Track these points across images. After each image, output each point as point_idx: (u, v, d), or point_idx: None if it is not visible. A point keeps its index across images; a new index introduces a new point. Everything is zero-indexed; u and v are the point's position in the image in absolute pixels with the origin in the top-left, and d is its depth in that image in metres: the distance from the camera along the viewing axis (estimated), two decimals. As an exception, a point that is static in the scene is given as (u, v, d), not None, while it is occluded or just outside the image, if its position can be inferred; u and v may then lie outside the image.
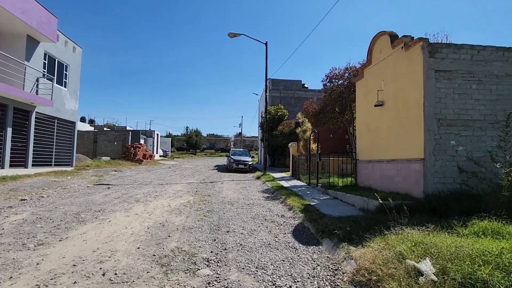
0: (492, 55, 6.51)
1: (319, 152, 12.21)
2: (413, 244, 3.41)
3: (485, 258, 2.86)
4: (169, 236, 4.96)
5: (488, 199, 5.05)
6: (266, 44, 18.78)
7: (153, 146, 36.32)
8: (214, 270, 3.56)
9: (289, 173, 17.73)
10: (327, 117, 15.12)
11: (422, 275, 2.85)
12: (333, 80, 14.36)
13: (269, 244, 4.66)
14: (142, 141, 32.05)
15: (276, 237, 5.07)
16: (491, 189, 5.43)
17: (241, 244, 4.59)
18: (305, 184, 12.69)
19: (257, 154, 47.69)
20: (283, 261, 3.94)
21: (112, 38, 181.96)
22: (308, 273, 3.57)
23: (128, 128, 38.16)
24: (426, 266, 2.91)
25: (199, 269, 3.56)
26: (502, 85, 6.48)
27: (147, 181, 13.38)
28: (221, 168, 23.59)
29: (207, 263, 3.77)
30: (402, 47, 7.11)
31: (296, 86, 32.34)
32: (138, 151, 26.67)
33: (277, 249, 4.44)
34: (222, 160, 32.93)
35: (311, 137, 15.19)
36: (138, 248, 4.30)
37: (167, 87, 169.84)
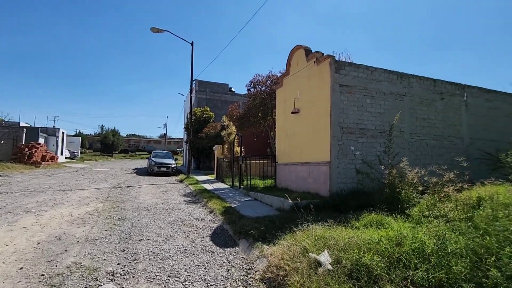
0: (381, 76, 7.87)
1: (242, 155, 12.53)
2: (316, 238, 3.81)
3: (369, 246, 3.40)
4: (65, 250, 4.29)
5: (376, 195, 6.04)
6: (192, 44, 18.35)
7: (57, 146, 31.07)
8: (119, 284, 3.24)
9: (214, 176, 17.65)
10: (250, 121, 15.67)
11: (321, 265, 3.20)
12: (257, 86, 15.02)
13: (185, 249, 4.52)
14: (41, 140, 27.04)
15: (194, 242, 4.95)
16: (378, 187, 6.52)
17: (154, 253, 4.31)
18: (229, 186, 12.83)
19: (182, 156, 46.00)
20: (198, 266, 3.87)
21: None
22: (222, 275, 3.59)
23: (22, 124, 31.63)
24: (325, 257, 3.28)
25: (101, 285, 3.18)
26: (388, 101, 7.90)
27: (44, 187, 11.32)
28: (141, 172, 21.82)
29: (111, 277, 3.40)
30: (315, 61, 7.94)
31: (223, 89, 32.58)
32: (35, 152, 22.39)
33: (193, 254, 4.33)
34: (144, 163, 30.53)
35: (235, 140, 15.50)
36: (21, 268, 3.58)
37: (78, 80, 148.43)
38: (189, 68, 18.57)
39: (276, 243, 4.13)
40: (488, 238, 3.19)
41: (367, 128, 7.61)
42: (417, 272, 2.92)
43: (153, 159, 20.58)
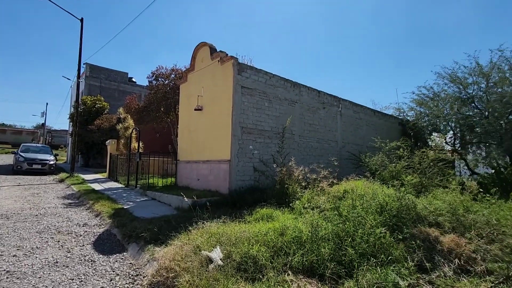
0: (278, 82, 8.68)
1: (140, 151, 11.53)
2: (210, 235, 3.86)
3: (257, 238, 3.68)
4: None
5: (269, 191, 6.61)
6: (81, 20, 15.65)
7: None
8: None
9: (106, 175, 15.58)
10: (152, 115, 14.60)
11: (212, 262, 3.26)
12: (159, 79, 14.10)
13: (56, 262, 3.81)
14: None
15: (70, 252, 4.23)
16: (272, 184, 7.16)
17: (8, 271, 3.46)
18: (123, 186, 11.58)
19: (66, 152, 38.65)
20: (72, 280, 3.32)
21: None
22: (102, 287, 3.20)
23: None
24: (216, 253, 3.36)
25: None
26: (282, 105, 8.76)
27: None
28: (4, 170, 17.14)
29: None
30: (219, 61, 8.05)
31: (122, 78, 29.11)
32: None
33: (67, 266, 3.70)
34: (8, 159, 24.05)
35: (133, 135, 14.12)
36: None
37: None
38: (78, 49, 15.71)
39: (170, 244, 3.97)
40: (348, 223, 3.95)
41: (265, 129, 8.24)
42: (295, 258, 3.35)
43: (22, 154, 16.47)
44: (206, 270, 3.11)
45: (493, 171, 9.74)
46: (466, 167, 10.97)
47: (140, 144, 12.99)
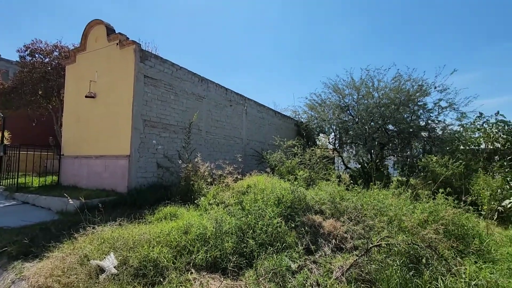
0: (185, 76, 8.39)
1: (3, 143, 9.08)
2: (102, 241, 3.43)
3: (159, 239, 3.50)
4: None
5: (173, 188, 6.35)
6: None
7: None
8: None
9: None
10: (25, 99, 11.69)
11: (104, 271, 2.91)
12: (37, 55, 11.42)
13: None
14: None
15: None
16: (177, 181, 6.90)
17: None
18: (-25, 188, 8.89)
19: None
20: None
21: None
22: None
23: None
24: (109, 261, 3.01)
25: None
26: (190, 100, 8.54)
27: None
28: None
29: None
30: (118, 44, 7.15)
31: (-26, 45, 22.04)
32: None
33: None
34: None
35: (-6, 122, 10.97)
36: None
37: None
38: None
39: (47, 257, 3.32)
40: (250, 216, 4.22)
41: (170, 124, 7.85)
42: (198, 255, 3.35)
43: None
44: (96, 282, 2.75)
45: (359, 166, 12.24)
46: (342, 163, 13.37)
47: (6, 134, 10.24)
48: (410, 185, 8.06)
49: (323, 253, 3.89)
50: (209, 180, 6.00)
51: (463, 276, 2.50)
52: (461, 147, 10.05)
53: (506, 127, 9.45)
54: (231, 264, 3.31)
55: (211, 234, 3.70)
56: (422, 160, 8.78)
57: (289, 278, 3.06)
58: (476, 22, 41.98)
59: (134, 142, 6.81)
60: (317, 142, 14.83)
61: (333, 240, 4.24)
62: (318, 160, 8.93)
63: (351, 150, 13.38)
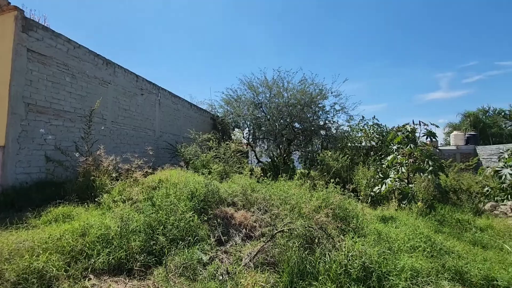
0: (86, 56, 7.28)
1: None
2: (-39, 256, 2.71)
3: (46, 245, 3.00)
4: None
5: (69, 185, 5.49)
6: None
7: None
8: None
9: None
10: None
11: (-35, 292, 2.33)
12: None
13: None
14: None
15: None
16: (73, 177, 5.98)
17: None
18: None
19: None
20: None
21: None
22: None
23: None
24: (-27, 278, 2.43)
25: None
26: (91, 84, 7.46)
27: None
28: None
29: None
30: (-12, 5, 5.62)
31: None
32: None
33: None
34: None
35: None
36: None
37: None
38: None
39: None
40: (161, 212, 4.05)
41: (65, 110, 6.70)
42: (99, 258, 3.03)
43: None
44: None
45: (270, 160, 13.24)
46: (255, 157, 14.17)
47: None
48: (310, 176, 9.26)
49: (234, 243, 4.10)
50: (114, 175, 5.43)
51: (343, 249, 3.08)
52: (349, 144, 12.07)
53: (378, 129, 11.84)
54: (138, 264, 3.14)
55: (115, 234, 3.41)
56: (320, 155, 10.16)
57: (200, 271, 3.12)
58: (365, 41, 50.68)
59: (12, 130, 5.54)
60: (232, 136, 15.22)
61: (244, 230, 4.51)
62: (232, 154, 9.22)
63: (263, 145, 14.29)
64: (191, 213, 4.00)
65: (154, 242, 3.50)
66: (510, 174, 6.37)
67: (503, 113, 21.62)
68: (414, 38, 46.71)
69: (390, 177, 6.35)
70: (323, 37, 52.75)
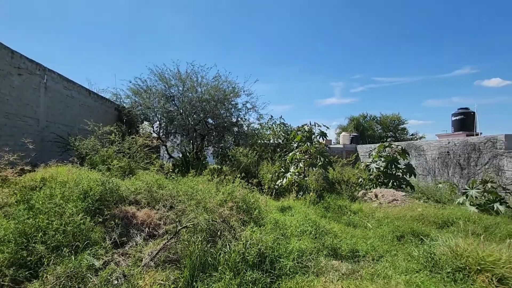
0: None
1: None
2: None
3: None
4: None
5: None
6: None
7: None
8: None
9: None
10: None
11: None
12: None
13: None
14: None
15: None
16: None
17: None
18: None
19: None
20: None
21: None
22: None
23: None
24: None
25: None
26: None
27: None
28: None
29: None
30: None
31: None
32: None
33: None
34: None
35: None
36: None
37: None
38: None
39: None
40: (41, 216, 3.45)
41: None
42: None
43: None
44: None
45: (182, 155, 12.89)
46: (166, 152, 13.52)
47: None
48: (222, 172, 9.48)
49: (135, 243, 3.87)
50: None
51: (243, 239, 3.32)
52: (259, 141, 12.89)
53: (284, 128, 13.06)
54: (7, 278, 2.63)
55: (-29, 247, 2.75)
56: (231, 151, 10.51)
57: (90, 278, 2.84)
58: (278, 46, 54.51)
59: None
60: (141, 130, 14.08)
61: (146, 229, 4.30)
62: (139, 149, 8.57)
63: (175, 140, 13.75)
64: (81, 214, 3.57)
65: (29, 252, 2.98)
66: (375, 167, 8.08)
67: (375, 119, 27.26)
68: (318, 48, 52.93)
69: (290, 172, 7.12)
70: (239, 38, 54.05)
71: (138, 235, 4.13)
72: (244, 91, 12.64)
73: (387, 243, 4.24)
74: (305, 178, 7.36)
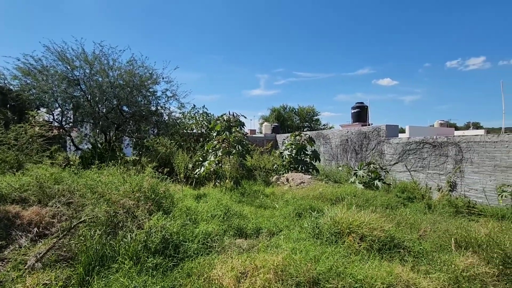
0: None
1: None
2: None
3: None
4: None
5: None
6: None
7: None
8: None
9: None
10: None
11: None
12: None
13: None
14: None
15: None
16: None
17: None
18: None
19: None
20: None
21: None
22: None
23: None
24: None
25: None
26: None
27: None
28: None
29: None
30: None
31: None
32: None
33: None
34: None
35: None
36: None
37: None
38: None
39: None
40: None
41: None
42: None
43: None
44: None
45: (92, 147, 11.56)
46: (72, 143, 11.88)
47: None
48: (139, 163, 8.91)
49: (18, 246, 3.41)
50: None
51: (146, 227, 3.28)
52: (181, 131, 12.51)
53: (207, 117, 13.02)
54: None
55: None
56: (149, 141, 9.96)
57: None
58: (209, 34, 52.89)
59: None
60: (36, 117, 11.95)
61: (35, 229, 3.81)
62: (30, 139, 7.33)
63: (83, 129, 12.19)
64: None
65: None
66: (288, 154, 8.89)
67: (294, 111, 29.63)
68: (246, 39, 53.63)
69: (207, 160, 7.22)
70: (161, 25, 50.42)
71: (24, 237, 3.63)
72: (163, 78, 12.00)
73: (289, 219, 4.79)
74: (222, 166, 7.58)
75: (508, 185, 6.47)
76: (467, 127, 29.21)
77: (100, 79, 10.78)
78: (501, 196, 6.28)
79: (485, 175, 7.11)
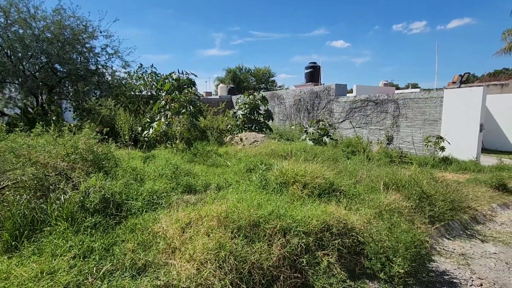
0: None
1: None
2: None
3: None
4: None
5: None
6: None
7: None
8: None
9: None
10: None
11: None
12: None
13: None
14: None
15: None
16: None
17: None
18: None
19: None
20: None
21: None
22: None
23: None
24: None
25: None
26: None
27: None
28: None
29: None
30: None
31: None
32: None
33: None
34: None
35: None
36: None
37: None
38: None
39: None
40: None
41: None
42: None
43: None
44: None
45: (21, 111, 10.17)
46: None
47: None
48: (81, 128, 8.11)
49: None
50: None
51: (82, 188, 3.07)
52: (128, 92, 11.53)
53: (156, 78, 12.13)
54: None
55: None
56: (90, 103, 9.05)
57: None
58: (148, -18, 46.97)
59: None
60: None
61: None
62: None
63: (6, 91, 10.54)
64: None
65: None
66: (241, 114, 8.84)
67: (250, 72, 29.09)
68: (195, -7, 49.14)
69: (156, 121, 6.85)
70: (98, -37, 43.33)
71: None
72: (101, 32, 10.59)
73: (240, 175, 4.89)
74: (174, 128, 7.29)
75: (433, 136, 7.35)
76: (407, 87, 31.86)
77: (21, 31, 9.14)
78: (427, 146, 7.14)
79: (416, 128, 7.95)
